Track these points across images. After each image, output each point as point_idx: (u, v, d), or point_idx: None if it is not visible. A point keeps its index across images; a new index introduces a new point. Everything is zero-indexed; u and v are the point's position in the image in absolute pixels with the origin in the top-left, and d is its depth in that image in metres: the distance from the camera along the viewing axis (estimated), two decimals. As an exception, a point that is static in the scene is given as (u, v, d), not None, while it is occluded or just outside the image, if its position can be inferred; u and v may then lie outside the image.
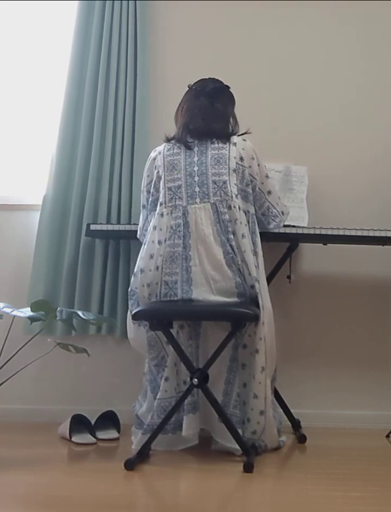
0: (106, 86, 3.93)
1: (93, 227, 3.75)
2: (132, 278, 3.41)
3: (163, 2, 4.00)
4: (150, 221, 3.38)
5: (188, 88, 3.44)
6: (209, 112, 3.37)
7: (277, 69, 3.98)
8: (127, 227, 3.71)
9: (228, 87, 3.45)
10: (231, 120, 3.42)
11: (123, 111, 3.93)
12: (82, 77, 3.97)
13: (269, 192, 3.43)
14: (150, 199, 3.41)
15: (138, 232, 3.50)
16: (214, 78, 3.46)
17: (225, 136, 3.36)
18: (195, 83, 3.45)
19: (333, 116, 3.96)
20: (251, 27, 4.00)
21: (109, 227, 3.76)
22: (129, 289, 3.43)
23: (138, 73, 3.93)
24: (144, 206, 3.48)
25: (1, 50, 4.13)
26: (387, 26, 3.98)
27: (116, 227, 3.76)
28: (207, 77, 3.46)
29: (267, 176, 3.44)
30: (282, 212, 3.48)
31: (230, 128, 3.41)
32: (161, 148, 3.43)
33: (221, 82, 3.45)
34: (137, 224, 3.63)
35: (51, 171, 3.94)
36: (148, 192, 3.43)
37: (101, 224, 3.80)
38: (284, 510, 2.69)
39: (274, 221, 3.46)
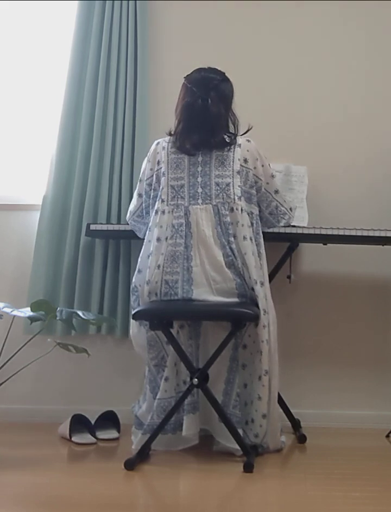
0: (106, 86, 3.93)
1: (93, 227, 3.75)
2: (135, 274, 3.40)
3: (163, 2, 4.00)
4: (151, 216, 3.36)
5: (184, 79, 3.38)
6: (205, 121, 3.30)
7: (277, 69, 3.98)
8: (128, 227, 3.69)
9: (224, 78, 3.37)
10: (230, 119, 3.37)
11: (123, 111, 3.92)
12: (82, 77, 3.96)
13: (276, 191, 3.43)
14: (152, 194, 3.39)
15: (128, 215, 3.49)
16: (210, 69, 3.39)
17: (225, 145, 3.32)
18: (190, 75, 3.38)
19: (333, 116, 3.96)
20: (251, 27, 4.00)
21: (110, 227, 3.76)
22: (132, 285, 3.41)
23: (138, 73, 3.93)
24: (140, 195, 3.46)
25: (1, 50, 4.13)
26: (389, 27, 3.97)
27: (116, 227, 3.75)
28: (204, 67, 3.40)
29: (272, 176, 3.43)
30: (290, 208, 3.49)
31: (230, 129, 3.37)
32: (164, 142, 3.39)
33: (216, 73, 3.37)
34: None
35: (51, 171, 3.94)
36: (149, 185, 3.41)
37: (101, 224, 3.80)
38: (284, 510, 2.70)
39: (284, 219, 3.45)
